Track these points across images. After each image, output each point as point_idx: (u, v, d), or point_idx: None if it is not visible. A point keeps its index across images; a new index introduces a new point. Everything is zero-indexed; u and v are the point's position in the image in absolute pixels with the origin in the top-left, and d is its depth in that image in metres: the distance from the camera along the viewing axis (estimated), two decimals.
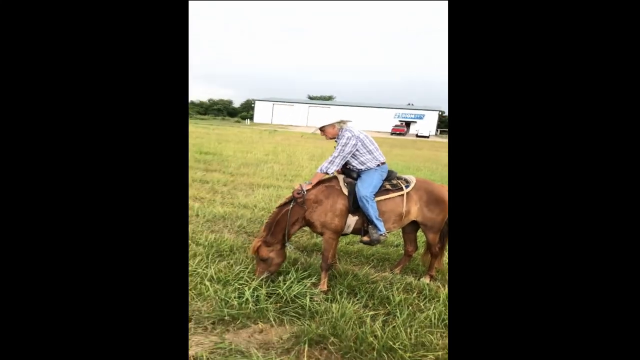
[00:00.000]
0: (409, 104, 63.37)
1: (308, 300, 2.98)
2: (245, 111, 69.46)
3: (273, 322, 2.75)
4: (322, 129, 3.49)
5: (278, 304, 2.98)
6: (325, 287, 3.31)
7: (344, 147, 3.36)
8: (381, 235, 3.36)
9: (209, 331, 2.59)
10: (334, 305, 2.94)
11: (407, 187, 3.52)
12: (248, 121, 54.38)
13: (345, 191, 3.40)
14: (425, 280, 3.61)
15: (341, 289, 3.29)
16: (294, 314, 2.88)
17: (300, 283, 3.21)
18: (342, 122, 3.51)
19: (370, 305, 3.09)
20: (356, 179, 3.45)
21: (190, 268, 3.42)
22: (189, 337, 2.45)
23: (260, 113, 60.67)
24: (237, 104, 79.97)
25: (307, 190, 3.37)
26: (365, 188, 3.30)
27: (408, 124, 53.53)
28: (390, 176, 3.59)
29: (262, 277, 3.25)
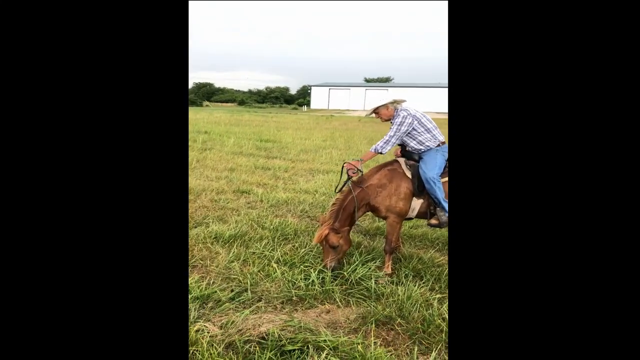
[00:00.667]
0: None
1: (373, 282, 3.00)
2: (302, 97, 70.13)
3: (340, 303, 2.80)
4: (376, 111, 3.41)
5: (344, 286, 3.03)
6: (389, 270, 3.31)
7: (400, 127, 3.28)
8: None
9: (278, 310, 2.71)
10: (399, 287, 2.94)
11: None
12: (305, 107, 54.87)
13: (409, 174, 3.32)
14: None
15: (406, 272, 3.27)
16: (360, 296, 2.91)
17: (365, 266, 3.23)
18: (395, 102, 3.40)
19: (437, 289, 3.05)
20: (418, 161, 3.35)
21: (257, 251, 3.58)
22: (260, 315, 2.58)
23: (317, 99, 60.87)
24: (293, 90, 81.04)
25: (367, 176, 3.33)
26: (430, 169, 3.20)
27: None
28: None
29: (331, 266, 3.19)
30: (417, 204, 3.33)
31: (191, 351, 2.15)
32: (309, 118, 28.07)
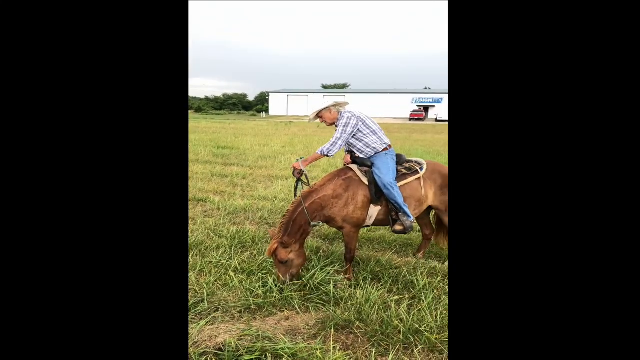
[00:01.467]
0: (426, 88, 62.43)
1: (332, 287, 3.00)
2: (260, 104, 69.66)
3: (298, 310, 2.78)
4: (319, 115, 3.34)
5: (302, 292, 3.00)
6: (351, 277, 3.29)
7: (345, 127, 3.21)
8: (412, 221, 3.23)
9: (236, 319, 2.64)
10: (358, 291, 2.95)
11: (421, 169, 3.42)
12: (263, 114, 54.52)
13: (365, 180, 3.23)
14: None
15: (365, 275, 3.30)
16: (319, 301, 2.90)
17: (324, 270, 3.22)
18: (338, 104, 3.33)
19: (395, 290, 3.09)
20: (371, 167, 3.29)
21: (214, 260, 3.49)
22: (217, 325, 2.51)
23: (276, 105, 60.76)
24: (251, 97, 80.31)
25: (320, 186, 3.21)
26: (386, 174, 3.16)
27: (426, 108, 52.76)
28: (400, 160, 3.47)
29: (285, 280, 3.08)
30: (374, 211, 3.26)
31: None
32: (267, 124, 27.92)
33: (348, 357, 2.24)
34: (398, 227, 3.25)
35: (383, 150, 3.32)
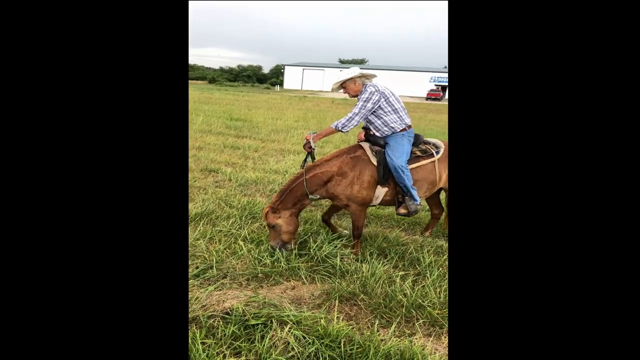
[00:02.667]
0: (446, 67, 61.01)
1: (339, 260, 3.05)
2: (275, 77, 69.08)
3: (305, 280, 2.84)
4: (343, 85, 3.19)
5: (309, 264, 3.07)
6: (358, 254, 3.31)
7: (366, 103, 3.06)
8: (418, 205, 3.19)
9: (243, 286, 2.72)
10: (364, 265, 3.00)
11: (437, 152, 3.31)
12: (277, 87, 54.15)
13: (374, 161, 3.14)
14: None
15: (371, 250, 3.34)
16: (325, 273, 2.96)
17: (331, 244, 3.27)
18: (364, 76, 3.17)
19: (400, 266, 3.13)
20: (384, 147, 3.19)
21: (224, 229, 3.56)
22: (225, 291, 2.59)
23: (290, 79, 60.15)
24: (266, 69, 79.67)
25: (325, 160, 3.18)
26: (398, 157, 3.05)
27: (444, 88, 51.54)
28: (417, 141, 3.33)
29: (273, 245, 3.16)
30: (381, 192, 3.20)
31: None
32: (281, 98, 27.74)
33: (351, 327, 2.31)
34: (402, 210, 3.21)
35: (401, 130, 3.18)
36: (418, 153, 3.29)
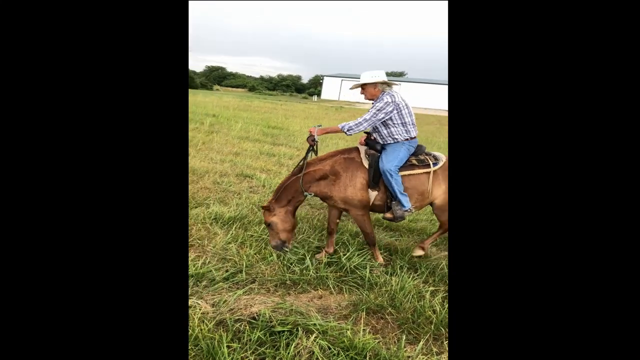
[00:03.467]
0: None
1: (368, 271, 3.02)
2: (313, 87, 69.84)
3: (332, 290, 2.82)
4: (363, 86, 3.20)
5: (338, 274, 3.05)
6: (381, 260, 3.29)
7: (378, 112, 3.06)
8: (406, 211, 3.12)
9: (271, 292, 2.73)
10: (393, 278, 2.95)
11: (435, 164, 3.24)
12: (315, 97, 54.62)
13: (366, 164, 3.15)
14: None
15: (401, 264, 3.27)
16: (353, 284, 2.93)
17: (360, 255, 3.24)
18: (386, 83, 3.15)
19: (431, 282, 3.05)
20: (380, 152, 3.19)
21: (255, 234, 3.60)
22: (253, 296, 2.61)
23: (328, 89, 60.53)
24: (305, 79, 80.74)
25: (320, 159, 3.22)
26: (390, 161, 3.05)
27: None
28: (417, 151, 3.29)
29: (273, 245, 3.20)
30: (371, 195, 3.19)
31: None
32: (318, 108, 27.96)
33: (377, 340, 2.26)
34: (388, 215, 3.21)
35: (403, 140, 3.19)
36: (414, 162, 3.24)
